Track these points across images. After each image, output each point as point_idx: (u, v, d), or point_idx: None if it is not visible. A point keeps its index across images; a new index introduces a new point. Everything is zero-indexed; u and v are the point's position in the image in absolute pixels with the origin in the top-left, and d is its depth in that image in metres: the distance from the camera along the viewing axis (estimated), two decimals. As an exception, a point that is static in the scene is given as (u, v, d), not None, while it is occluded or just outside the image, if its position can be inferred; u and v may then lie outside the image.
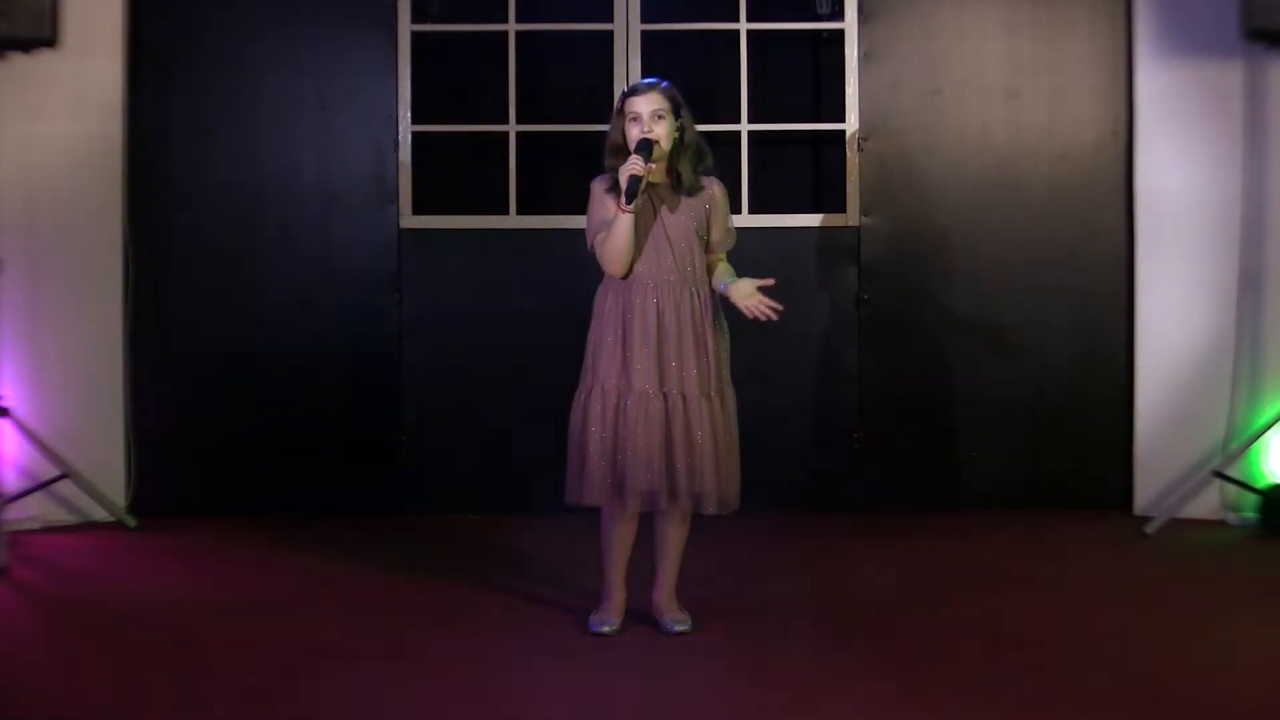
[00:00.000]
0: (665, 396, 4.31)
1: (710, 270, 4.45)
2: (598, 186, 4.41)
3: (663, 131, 4.31)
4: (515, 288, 6.20)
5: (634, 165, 4.22)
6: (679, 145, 4.37)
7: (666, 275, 4.35)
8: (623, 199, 4.23)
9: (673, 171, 4.39)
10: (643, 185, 4.24)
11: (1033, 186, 6.22)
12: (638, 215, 4.29)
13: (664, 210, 4.37)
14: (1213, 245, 6.00)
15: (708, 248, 4.45)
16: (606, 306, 4.39)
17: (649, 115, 4.30)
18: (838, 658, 4.18)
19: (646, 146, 4.26)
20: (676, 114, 4.35)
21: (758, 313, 4.31)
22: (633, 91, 4.37)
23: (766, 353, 6.10)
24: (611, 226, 4.29)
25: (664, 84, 4.37)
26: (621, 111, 4.36)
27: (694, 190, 4.40)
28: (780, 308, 4.30)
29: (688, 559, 4.53)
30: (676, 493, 4.31)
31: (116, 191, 6.06)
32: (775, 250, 6.14)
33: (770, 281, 4.32)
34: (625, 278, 4.36)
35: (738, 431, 4.43)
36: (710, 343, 4.37)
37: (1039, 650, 4.23)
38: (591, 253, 4.40)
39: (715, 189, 4.45)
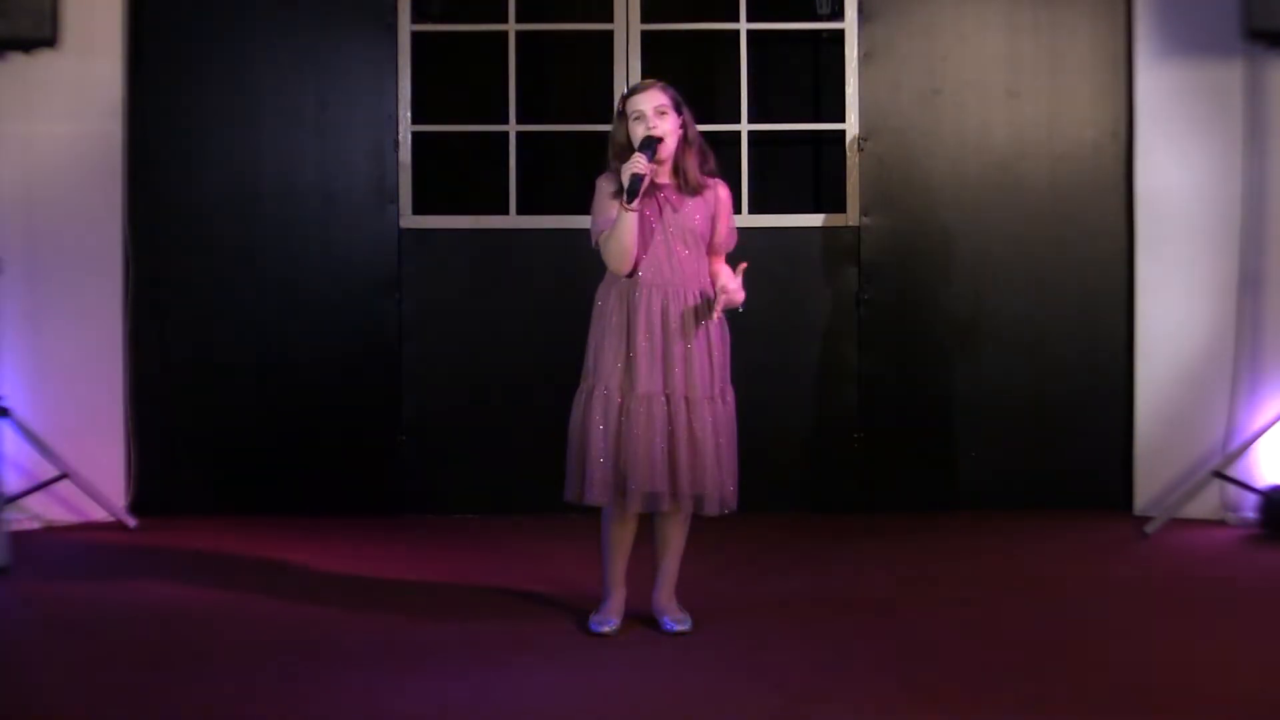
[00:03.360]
0: (668, 398, 4.32)
1: (713, 274, 4.44)
2: (603, 184, 4.41)
3: (667, 127, 4.31)
4: (515, 288, 6.20)
5: (636, 164, 4.22)
6: (682, 143, 4.37)
7: (671, 275, 4.35)
8: (624, 197, 4.23)
9: (678, 171, 4.39)
10: (645, 184, 4.24)
11: (1033, 186, 6.21)
12: (642, 214, 4.30)
13: (669, 210, 4.37)
14: (1213, 245, 6.00)
15: (710, 249, 4.45)
16: (610, 306, 4.38)
17: (652, 111, 4.31)
18: (838, 658, 4.18)
19: (651, 143, 4.26)
20: (678, 111, 4.36)
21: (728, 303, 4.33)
22: (633, 91, 4.38)
23: (766, 353, 6.10)
24: (615, 225, 4.29)
25: (662, 83, 4.38)
26: (623, 113, 4.37)
27: (698, 190, 4.40)
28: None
29: (688, 559, 4.54)
30: (679, 494, 4.32)
31: (116, 191, 6.06)
32: (775, 250, 6.14)
33: (743, 265, 4.36)
34: (630, 276, 4.36)
35: (737, 432, 4.45)
36: (713, 344, 4.38)
37: (1039, 650, 4.23)
38: (595, 249, 4.40)
39: (721, 190, 4.45)
